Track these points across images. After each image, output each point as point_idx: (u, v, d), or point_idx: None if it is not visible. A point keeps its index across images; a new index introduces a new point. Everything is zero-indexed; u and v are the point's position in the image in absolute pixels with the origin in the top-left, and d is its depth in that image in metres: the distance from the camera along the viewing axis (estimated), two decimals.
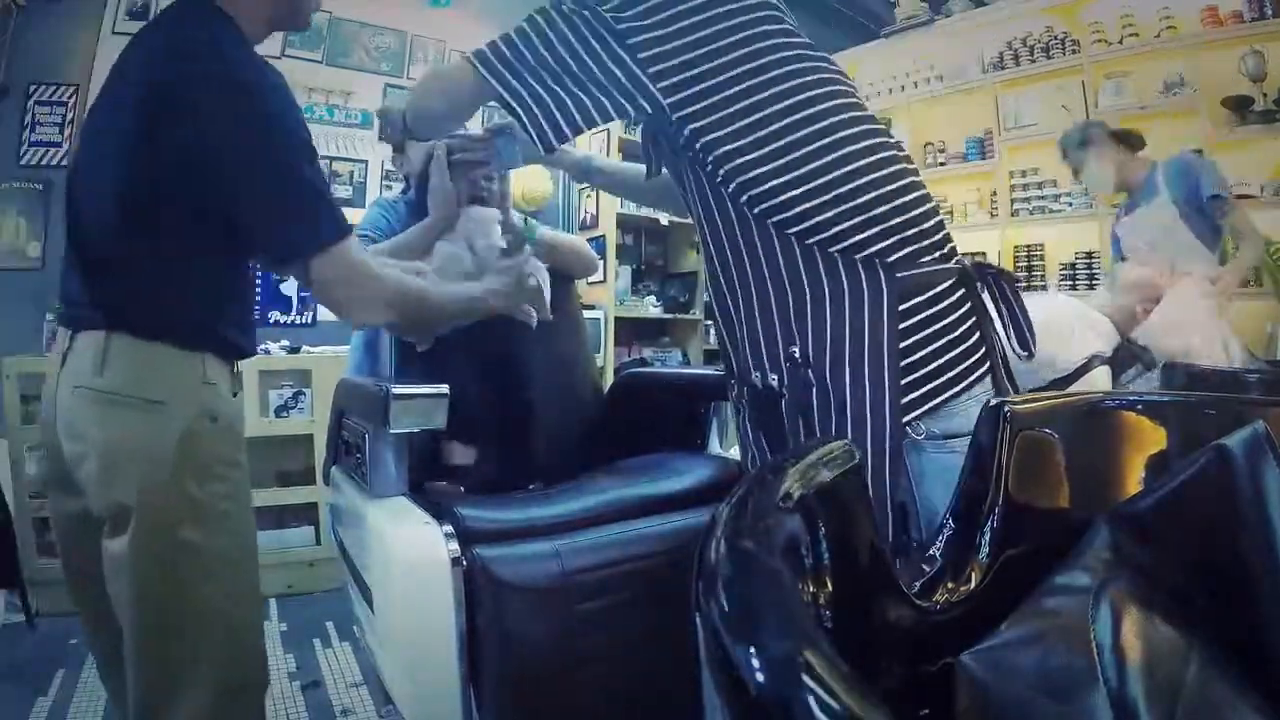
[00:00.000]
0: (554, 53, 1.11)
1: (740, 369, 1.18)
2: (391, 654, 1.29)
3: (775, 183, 1.08)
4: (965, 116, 4.67)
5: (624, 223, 4.63)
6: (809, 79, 1.12)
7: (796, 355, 1.09)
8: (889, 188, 1.10)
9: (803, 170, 1.07)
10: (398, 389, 1.32)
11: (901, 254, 1.08)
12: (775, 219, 1.08)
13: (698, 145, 1.11)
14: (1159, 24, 3.94)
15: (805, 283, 1.09)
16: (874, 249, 1.07)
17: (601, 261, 4.34)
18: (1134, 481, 0.82)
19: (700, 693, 0.38)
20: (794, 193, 1.07)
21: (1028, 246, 4.48)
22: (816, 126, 1.09)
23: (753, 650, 0.34)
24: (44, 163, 3.14)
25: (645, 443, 1.89)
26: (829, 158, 1.08)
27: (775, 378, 1.11)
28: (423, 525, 1.28)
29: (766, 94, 1.10)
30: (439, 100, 1.33)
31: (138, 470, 1.07)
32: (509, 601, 1.24)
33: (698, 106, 1.10)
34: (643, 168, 1.41)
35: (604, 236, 4.35)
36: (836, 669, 0.32)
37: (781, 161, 1.08)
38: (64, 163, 3.14)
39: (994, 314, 1.17)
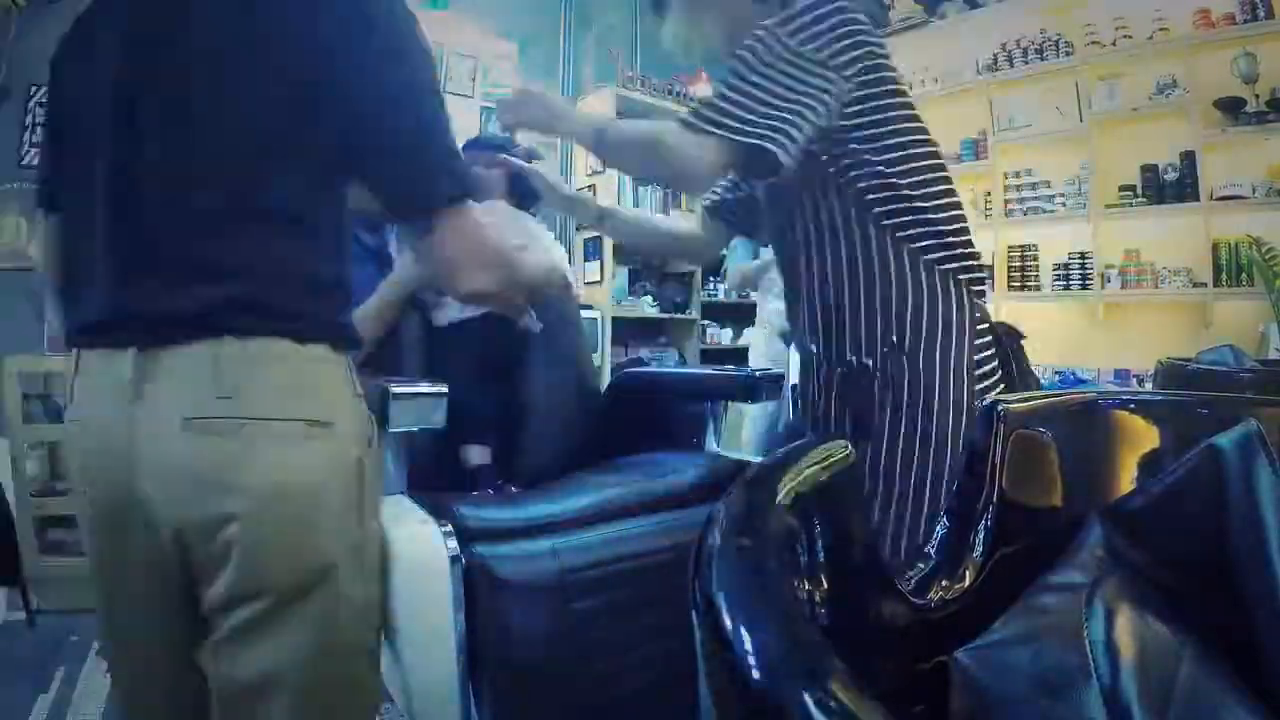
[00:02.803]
0: (779, 92, 1.18)
1: (837, 352, 1.34)
2: (390, 651, 1.30)
3: (913, 203, 1.28)
4: (960, 118, 4.68)
5: None
6: (923, 125, 1.33)
7: (895, 342, 1.28)
8: (970, 234, 1.34)
9: (934, 200, 1.29)
10: (396, 388, 1.32)
11: (976, 287, 1.32)
12: (901, 233, 1.28)
13: (849, 161, 1.27)
14: (1152, 25, 3.96)
15: (909, 285, 1.28)
16: (965, 276, 1.30)
17: (599, 262, 4.35)
18: (1127, 480, 0.83)
19: (698, 690, 0.39)
20: (924, 215, 1.28)
21: (1021, 247, 4.50)
22: (939, 166, 1.32)
23: (750, 648, 0.34)
24: None
25: (643, 442, 1.89)
26: (950, 198, 1.32)
27: (870, 360, 1.29)
28: (421, 523, 1.28)
29: (908, 125, 1.29)
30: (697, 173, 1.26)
31: (314, 520, 0.85)
32: (507, 599, 1.24)
33: (863, 123, 1.25)
34: (660, 217, 1.57)
35: (601, 237, 4.36)
36: (832, 666, 0.32)
37: (920, 190, 1.28)
38: None
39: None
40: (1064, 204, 4.31)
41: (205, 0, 0.85)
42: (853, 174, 1.28)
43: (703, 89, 4.71)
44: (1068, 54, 4.24)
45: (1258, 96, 3.68)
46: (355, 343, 0.95)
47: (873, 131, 1.26)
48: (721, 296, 5.12)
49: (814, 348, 1.39)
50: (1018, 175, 4.51)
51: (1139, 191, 4.08)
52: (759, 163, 1.19)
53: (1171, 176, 3.95)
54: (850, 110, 1.24)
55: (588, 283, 4.38)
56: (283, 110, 0.85)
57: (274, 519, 0.83)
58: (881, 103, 1.26)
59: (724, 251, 1.86)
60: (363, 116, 0.89)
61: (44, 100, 3.05)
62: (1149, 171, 4.03)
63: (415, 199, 0.97)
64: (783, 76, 1.18)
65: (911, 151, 1.28)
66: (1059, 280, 4.31)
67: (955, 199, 1.33)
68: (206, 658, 0.87)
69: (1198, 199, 3.82)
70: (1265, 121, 3.64)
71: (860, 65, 1.23)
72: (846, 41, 1.22)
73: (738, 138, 1.17)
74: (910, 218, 1.28)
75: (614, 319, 4.41)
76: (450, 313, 1.74)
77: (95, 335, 0.87)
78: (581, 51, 4.80)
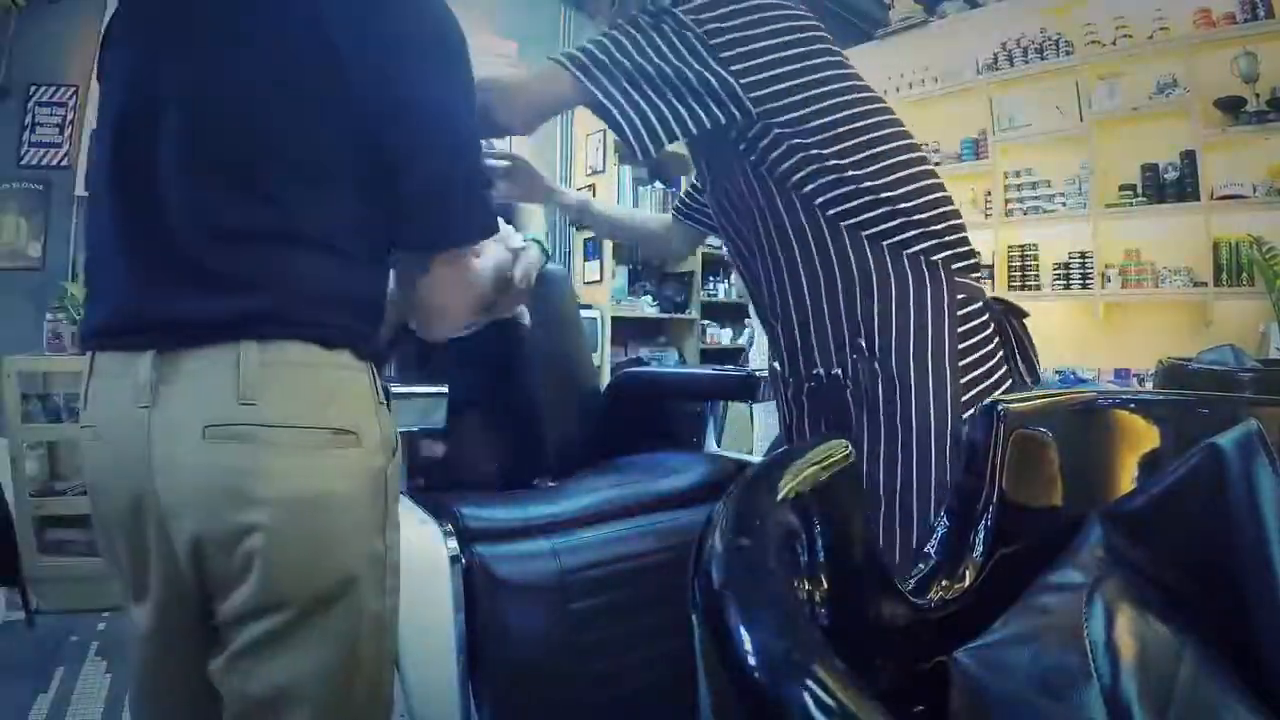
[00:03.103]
0: (648, 60, 1.11)
1: (805, 364, 1.24)
2: None
3: (860, 185, 1.15)
4: (960, 117, 4.68)
5: None
6: (871, 93, 1.21)
7: (864, 346, 1.16)
8: (951, 205, 1.22)
9: (889, 176, 1.16)
10: (396, 388, 1.32)
11: (959, 265, 1.19)
12: (852, 220, 1.16)
13: (781, 148, 1.16)
14: (1152, 25, 3.96)
15: (875, 281, 1.16)
16: (941, 255, 1.17)
17: (598, 261, 4.35)
18: (1127, 480, 0.83)
19: (697, 690, 0.39)
20: (879, 195, 1.15)
21: (1021, 246, 4.50)
22: (898, 139, 1.19)
23: (749, 648, 0.34)
24: (44, 163, 3.14)
25: (642, 442, 1.89)
26: (913, 169, 1.18)
27: (839, 370, 1.18)
28: (421, 524, 1.28)
29: (846, 99, 1.17)
30: (528, 101, 1.21)
31: (337, 532, 0.83)
32: (508, 600, 1.25)
33: (782, 105, 1.14)
34: (640, 211, 1.50)
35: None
36: (832, 666, 0.32)
37: (870, 167, 1.15)
38: (64, 163, 3.14)
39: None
40: (1064, 203, 4.31)
41: (254, 18, 0.83)
42: (784, 165, 1.17)
43: None
44: (1068, 53, 4.23)
45: (1258, 96, 3.67)
46: (379, 356, 0.93)
47: (798, 114, 1.15)
48: (721, 296, 5.12)
49: (777, 364, 1.32)
50: (1018, 175, 4.50)
51: (1139, 191, 4.07)
52: (611, 125, 1.13)
53: (1172, 176, 3.95)
54: (760, 96, 1.13)
55: (587, 282, 4.38)
56: (326, 136, 0.83)
57: (297, 531, 0.80)
58: (802, 80, 1.15)
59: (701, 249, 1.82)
60: (408, 156, 0.87)
61: (43, 100, 3.09)
62: (1149, 171, 4.03)
63: (434, 242, 0.94)
64: (671, 64, 1.11)
65: (851, 127, 1.16)
66: (1059, 280, 4.30)
67: (918, 169, 1.20)
68: (218, 671, 0.84)
69: (1198, 198, 3.82)
70: (1266, 121, 3.64)
71: (764, 47, 1.13)
72: (747, 17, 1.13)
73: (586, 80, 1.12)
74: (861, 200, 1.16)
75: (614, 319, 4.41)
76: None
77: (112, 337, 0.85)
78: None
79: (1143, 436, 0.88)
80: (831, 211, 1.16)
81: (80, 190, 3.11)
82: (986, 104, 4.56)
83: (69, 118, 3.16)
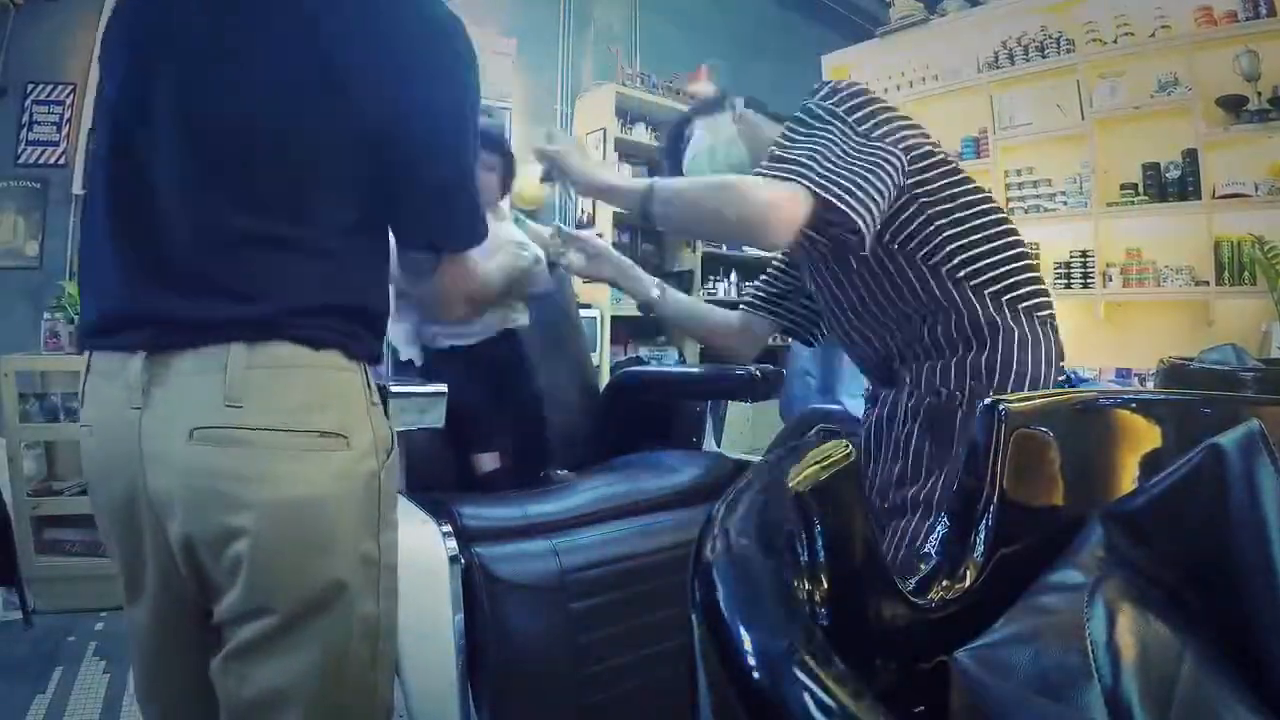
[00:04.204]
0: (856, 165, 1.20)
1: (926, 382, 1.36)
2: None
3: (986, 254, 1.32)
4: (961, 115, 4.68)
5: (620, 221, 4.62)
6: (969, 176, 1.37)
7: (983, 378, 1.31)
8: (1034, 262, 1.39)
9: (999, 240, 1.33)
10: (395, 387, 1.32)
11: (1048, 314, 1.37)
12: (976, 280, 1.31)
13: (920, 220, 1.30)
14: (1153, 23, 3.95)
15: (1000, 328, 1.31)
16: (1046, 312, 1.35)
17: None
18: (1128, 479, 0.82)
19: (696, 690, 0.39)
20: (998, 259, 1.32)
21: None
22: (993, 207, 1.37)
23: (749, 647, 0.34)
24: (41, 162, 3.14)
25: (642, 441, 1.89)
26: (1012, 235, 1.36)
27: (959, 392, 1.32)
28: (421, 524, 1.28)
29: (959, 174, 1.34)
30: (787, 220, 1.19)
31: (325, 537, 0.82)
32: (508, 600, 1.24)
33: (920, 177, 1.28)
34: (710, 305, 1.73)
35: (600, 235, 4.34)
36: (832, 666, 0.32)
37: (985, 232, 1.32)
38: (61, 162, 3.14)
39: None
40: (1065, 202, 4.30)
41: (269, 31, 0.82)
42: (919, 235, 1.30)
43: (703, 87, 4.70)
44: (1069, 52, 4.23)
45: (1260, 94, 3.67)
46: (374, 356, 0.93)
47: (933, 188, 1.29)
48: (721, 295, 5.12)
49: (907, 376, 1.41)
50: (1019, 174, 4.50)
51: (1141, 190, 4.07)
52: (840, 222, 1.19)
53: (1173, 175, 3.94)
54: (910, 178, 1.27)
55: (587, 281, 4.37)
56: (324, 146, 0.84)
57: (284, 536, 0.80)
58: (929, 162, 1.29)
59: (772, 341, 1.87)
60: (409, 165, 0.89)
61: (41, 98, 3.09)
62: (1151, 170, 4.02)
63: (435, 243, 0.99)
64: (855, 152, 1.19)
65: (967, 199, 1.32)
66: (1060, 279, 4.30)
67: (1012, 231, 1.37)
68: (217, 672, 0.84)
69: (1199, 197, 3.81)
70: (1267, 119, 3.63)
71: (902, 135, 1.25)
72: (891, 119, 1.26)
73: (820, 191, 1.15)
74: (983, 263, 1.31)
75: (613, 318, 4.41)
76: (441, 340, 1.72)
77: (106, 336, 0.85)
78: (581, 48, 4.80)
79: (1144, 436, 0.87)
80: (963, 272, 1.31)
81: (78, 189, 3.11)
82: (987, 102, 4.56)
83: (67, 116, 3.16)
